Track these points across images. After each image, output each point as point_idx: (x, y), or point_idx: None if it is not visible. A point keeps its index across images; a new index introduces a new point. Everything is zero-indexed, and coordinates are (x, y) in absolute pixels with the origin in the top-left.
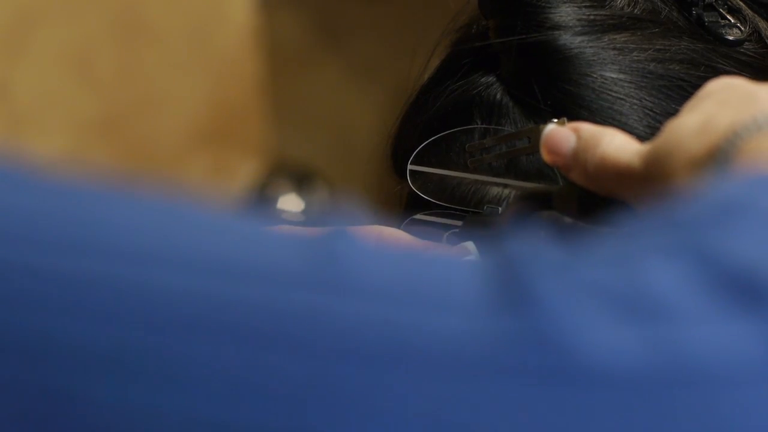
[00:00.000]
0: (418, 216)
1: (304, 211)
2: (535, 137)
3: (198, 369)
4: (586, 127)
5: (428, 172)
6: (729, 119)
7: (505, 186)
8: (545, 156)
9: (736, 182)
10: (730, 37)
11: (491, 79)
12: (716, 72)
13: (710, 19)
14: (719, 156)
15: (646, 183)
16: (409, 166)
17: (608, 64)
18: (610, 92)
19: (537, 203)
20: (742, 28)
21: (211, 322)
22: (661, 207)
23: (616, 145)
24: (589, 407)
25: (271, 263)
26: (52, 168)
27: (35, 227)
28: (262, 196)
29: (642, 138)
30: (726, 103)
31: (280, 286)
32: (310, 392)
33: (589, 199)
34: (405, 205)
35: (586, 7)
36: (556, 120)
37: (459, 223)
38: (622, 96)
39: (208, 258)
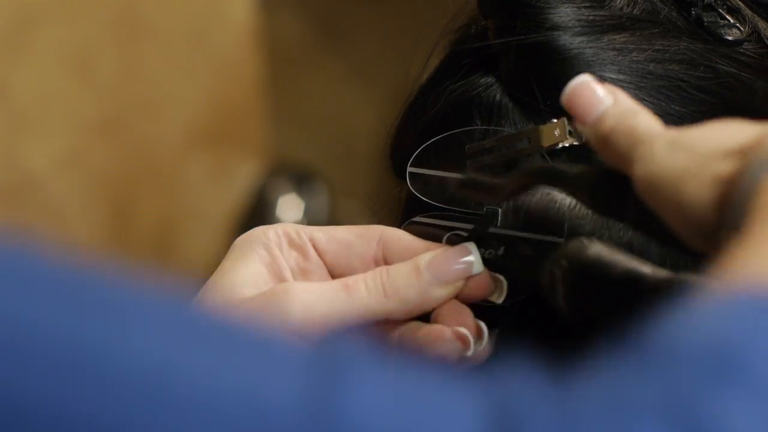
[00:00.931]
0: (418, 218)
1: (304, 213)
2: (534, 138)
3: None
4: (624, 95)
5: (428, 174)
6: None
7: None
8: (564, 101)
9: (733, 314)
10: (730, 38)
11: (490, 79)
12: (716, 72)
13: (709, 20)
14: (744, 177)
15: (659, 159)
16: (409, 168)
17: (608, 65)
18: None
19: (545, 179)
20: (742, 29)
21: None
22: (657, 329)
23: (648, 118)
24: None
25: (266, 406)
26: (57, 258)
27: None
28: (261, 197)
29: None
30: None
31: None
32: None
33: (603, 186)
34: (404, 207)
35: (585, 7)
36: (555, 120)
37: (459, 225)
38: None
39: (212, 393)
